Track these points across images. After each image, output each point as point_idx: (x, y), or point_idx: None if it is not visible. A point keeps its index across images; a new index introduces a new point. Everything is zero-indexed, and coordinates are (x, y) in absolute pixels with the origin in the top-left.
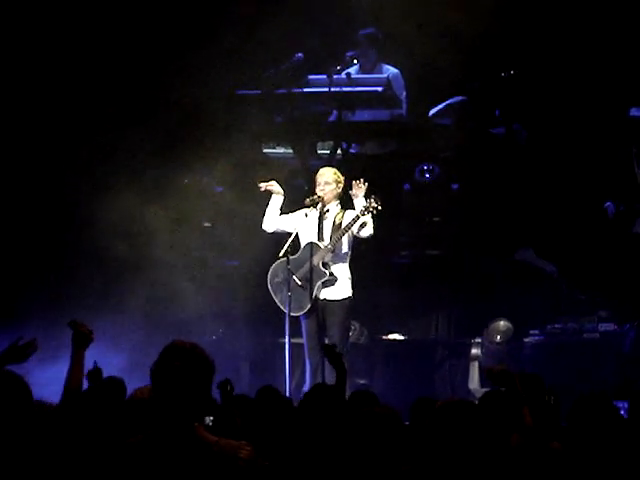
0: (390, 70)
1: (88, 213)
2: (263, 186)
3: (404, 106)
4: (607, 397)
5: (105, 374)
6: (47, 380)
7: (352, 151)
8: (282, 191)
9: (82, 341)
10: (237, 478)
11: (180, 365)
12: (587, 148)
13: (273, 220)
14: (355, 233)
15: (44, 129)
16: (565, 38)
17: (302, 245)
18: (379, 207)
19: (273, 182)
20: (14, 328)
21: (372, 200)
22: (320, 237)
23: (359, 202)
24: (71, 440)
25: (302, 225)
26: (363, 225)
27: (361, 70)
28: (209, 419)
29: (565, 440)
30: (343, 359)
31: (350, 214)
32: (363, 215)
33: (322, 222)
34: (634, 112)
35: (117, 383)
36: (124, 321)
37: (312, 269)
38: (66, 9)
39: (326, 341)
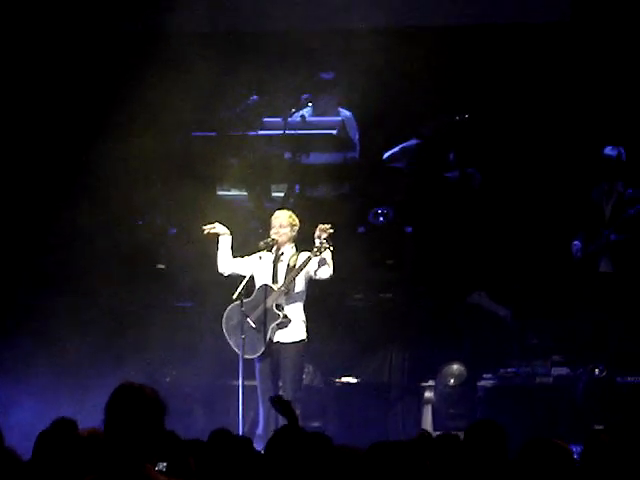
0: (344, 113)
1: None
2: (207, 229)
3: (357, 149)
4: (555, 441)
5: (52, 415)
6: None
7: (306, 194)
8: (228, 230)
9: None
10: None
11: (129, 407)
12: (543, 192)
13: (227, 263)
14: (314, 276)
15: None
16: (520, 82)
17: (256, 288)
18: (330, 248)
19: (216, 224)
20: None
21: (324, 241)
22: (275, 279)
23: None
24: None
25: (257, 268)
26: (321, 263)
27: (315, 112)
28: (162, 465)
29: None
30: (295, 404)
31: (304, 256)
32: (315, 256)
33: (277, 265)
34: (608, 151)
35: (68, 424)
36: (71, 362)
37: (266, 311)
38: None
39: (279, 384)
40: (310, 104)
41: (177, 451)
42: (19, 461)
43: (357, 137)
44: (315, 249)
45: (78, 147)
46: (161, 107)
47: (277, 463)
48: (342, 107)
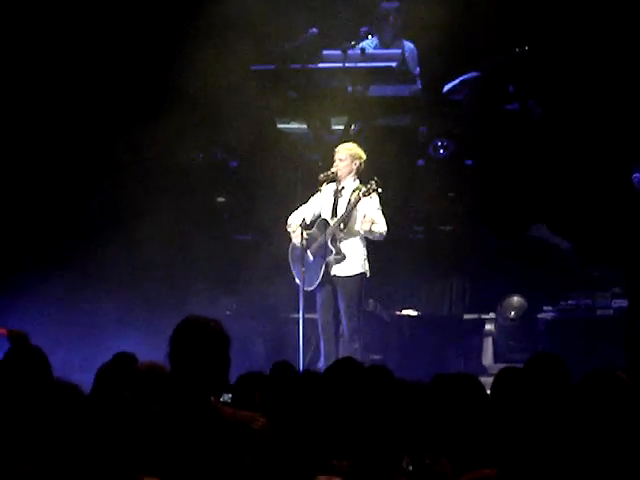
0: (408, 45)
1: (100, 187)
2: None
3: (418, 82)
4: (615, 372)
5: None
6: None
7: (366, 126)
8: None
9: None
10: (250, 448)
11: (194, 340)
12: (602, 124)
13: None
14: (365, 232)
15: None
16: (580, 13)
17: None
18: (379, 190)
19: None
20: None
21: (373, 182)
22: (334, 214)
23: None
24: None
25: (320, 203)
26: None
27: (380, 44)
28: (227, 396)
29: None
30: (354, 336)
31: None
32: (364, 196)
33: (337, 199)
34: None
35: (128, 358)
36: (136, 296)
37: (323, 245)
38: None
39: (340, 317)
40: (370, 36)
41: (242, 383)
42: (81, 395)
43: (418, 70)
44: (364, 189)
45: (138, 82)
46: (221, 42)
47: (334, 395)
48: (406, 39)
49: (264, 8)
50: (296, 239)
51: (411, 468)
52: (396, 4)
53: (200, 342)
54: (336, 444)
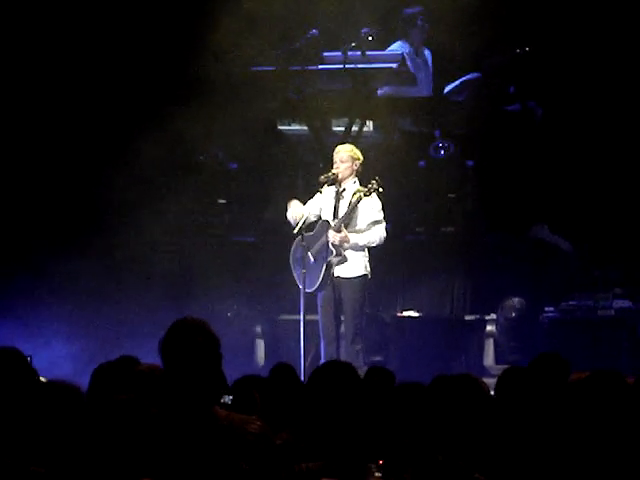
0: (427, 51)
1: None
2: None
3: (431, 85)
4: (620, 374)
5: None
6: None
7: (366, 128)
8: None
9: None
10: (245, 451)
11: (189, 340)
12: (604, 125)
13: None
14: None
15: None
16: (581, 14)
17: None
18: (380, 189)
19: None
20: None
21: (374, 182)
22: (335, 215)
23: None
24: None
25: (320, 204)
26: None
27: (412, 47)
28: (228, 398)
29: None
30: (356, 339)
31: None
32: (366, 196)
33: (338, 200)
34: None
35: (130, 360)
36: (141, 298)
37: (324, 247)
38: None
39: (341, 318)
40: (370, 38)
41: (239, 387)
42: (82, 397)
43: (431, 77)
44: (366, 189)
45: (138, 83)
46: (220, 43)
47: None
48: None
49: (264, 10)
50: (290, 215)
51: (379, 475)
52: (419, 8)
53: (192, 343)
54: (326, 447)
